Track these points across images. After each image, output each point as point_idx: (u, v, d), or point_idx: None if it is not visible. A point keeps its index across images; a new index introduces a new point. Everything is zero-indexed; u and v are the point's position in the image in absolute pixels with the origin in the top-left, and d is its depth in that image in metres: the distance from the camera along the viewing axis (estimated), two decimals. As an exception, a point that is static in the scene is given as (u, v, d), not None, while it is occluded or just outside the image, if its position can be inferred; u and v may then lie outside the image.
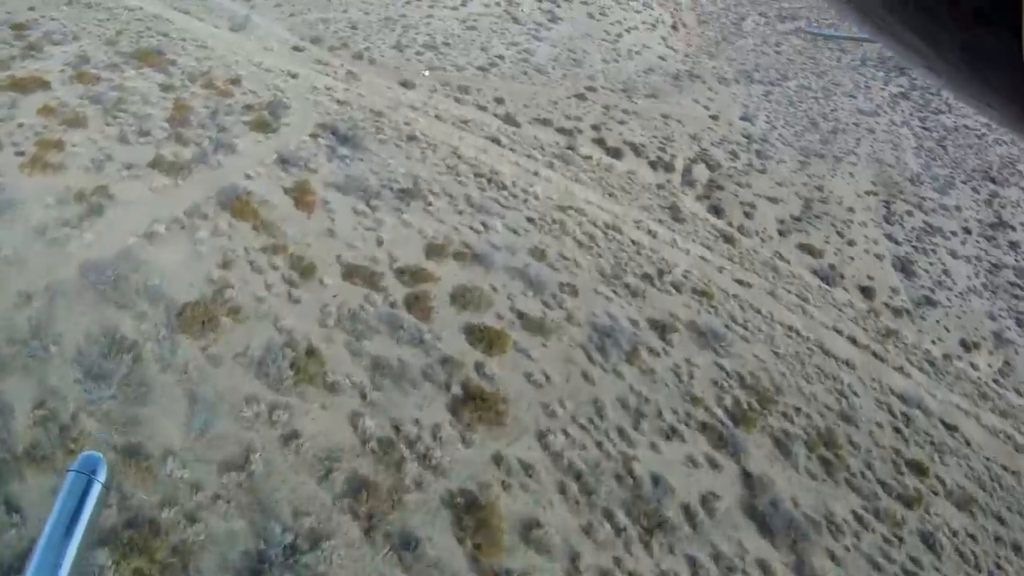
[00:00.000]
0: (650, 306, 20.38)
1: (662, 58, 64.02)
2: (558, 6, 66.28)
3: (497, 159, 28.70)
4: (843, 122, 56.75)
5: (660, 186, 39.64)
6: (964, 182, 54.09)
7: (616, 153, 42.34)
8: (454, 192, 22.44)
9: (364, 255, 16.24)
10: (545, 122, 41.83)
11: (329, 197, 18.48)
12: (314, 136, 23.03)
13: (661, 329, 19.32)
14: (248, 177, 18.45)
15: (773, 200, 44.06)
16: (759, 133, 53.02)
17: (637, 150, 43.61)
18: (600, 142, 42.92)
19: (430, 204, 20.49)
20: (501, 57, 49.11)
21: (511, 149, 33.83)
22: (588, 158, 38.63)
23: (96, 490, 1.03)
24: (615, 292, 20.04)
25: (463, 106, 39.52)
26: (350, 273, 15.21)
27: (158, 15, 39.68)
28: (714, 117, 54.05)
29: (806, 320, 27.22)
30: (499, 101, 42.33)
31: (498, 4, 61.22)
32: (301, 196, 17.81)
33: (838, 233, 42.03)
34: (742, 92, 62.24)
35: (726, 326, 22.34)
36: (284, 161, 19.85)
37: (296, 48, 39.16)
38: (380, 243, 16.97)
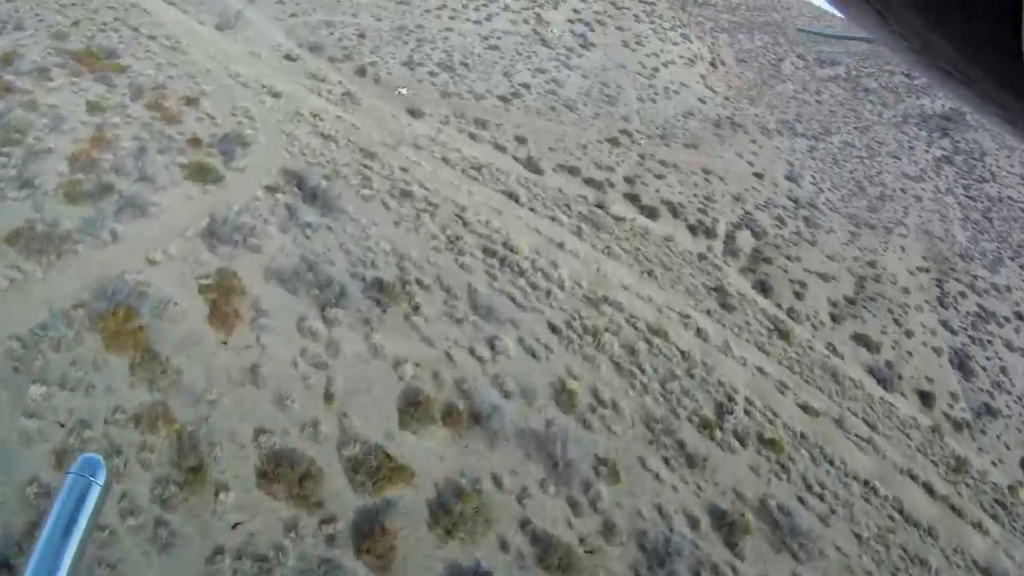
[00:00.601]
0: (711, 482, 14.53)
1: (701, 100, 58.65)
2: (591, 30, 60.85)
3: (513, 225, 22.85)
4: (889, 187, 52.11)
5: (702, 256, 33.82)
6: (1012, 258, 49.39)
7: (652, 213, 36.67)
8: (453, 284, 16.55)
9: (300, 424, 10.39)
10: (572, 170, 36.08)
11: (265, 302, 12.54)
12: (272, 190, 17.06)
13: (728, 529, 13.49)
14: (150, 263, 12.64)
15: (824, 277, 38.58)
16: (806, 196, 47.75)
17: (675, 210, 38.01)
18: (634, 199, 37.25)
19: (416, 310, 14.57)
20: (526, 86, 43.46)
21: (531, 209, 28.00)
22: (621, 220, 32.84)
23: (95, 492, 1.01)
24: (667, 461, 14.18)
25: (478, 144, 33.78)
26: (269, 472, 9.32)
27: (135, 4, 34.06)
28: (758, 175, 48.70)
29: (880, 464, 21.57)
30: (521, 141, 36.63)
31: (526, 22, 55.77)
32: (221, 301, 11.95)
33: (895, 321, 36.46)
34: (786, 146, 56.93)
35: (800, 499, 16.49)
36: (214, 234, 13.97)
37: (288, 57, 33.50)
38: (330, 397, 11.07)
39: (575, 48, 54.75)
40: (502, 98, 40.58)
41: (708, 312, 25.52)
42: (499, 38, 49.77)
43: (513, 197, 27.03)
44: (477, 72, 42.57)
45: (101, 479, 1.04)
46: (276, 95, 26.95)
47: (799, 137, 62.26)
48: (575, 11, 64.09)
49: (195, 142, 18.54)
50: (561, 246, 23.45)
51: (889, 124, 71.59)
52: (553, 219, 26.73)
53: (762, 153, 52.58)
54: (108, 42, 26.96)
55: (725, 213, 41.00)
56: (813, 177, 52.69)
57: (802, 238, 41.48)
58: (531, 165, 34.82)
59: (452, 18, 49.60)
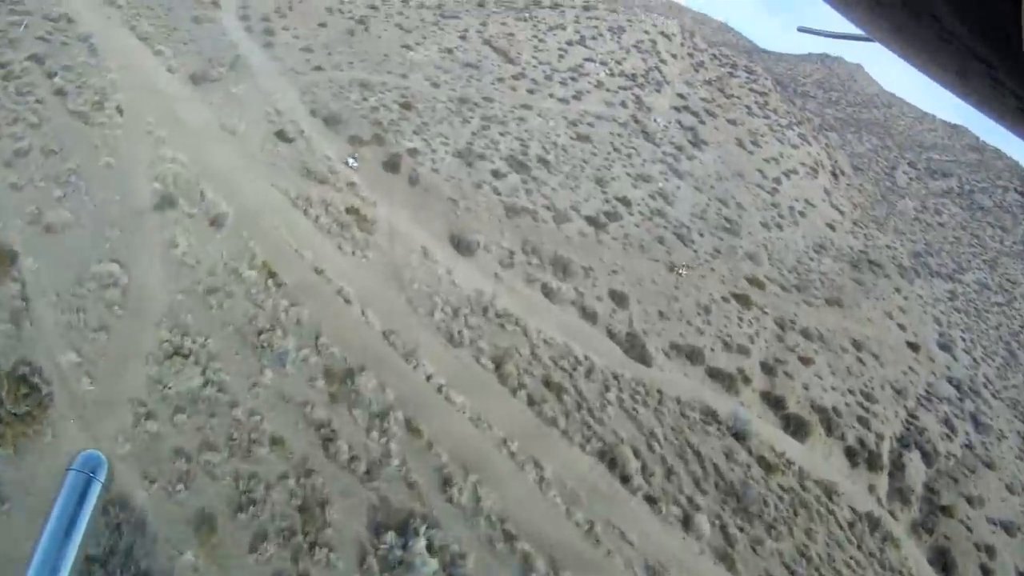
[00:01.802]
0: None
1: (830, 226, 45.90)
2: (701, 122, 48.96)
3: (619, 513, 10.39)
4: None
5: (871, 521, 20.83)
6: None
7: (800, 429, 23.86)
8: None
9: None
10: (693, 355, 23.26)
11: None
12: None
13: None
14: None
15: (1009, 530, 26.20)
16: (965, 376, 36.56)
17: (830, 421, 25.10)
18: (777, 404, 24.41)
19: None
20: (625, 201, 31.17)
21: (643, 472, 15.30)
22: (771, 469, 19.70)
23: (96, 489, 1.00)
24: None
25: (556, 308, 21.38)
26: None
27: (86, 35, 23.34)
28: (912, 346, 35.86)
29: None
30: (619, 300, 24.05)
31: (623, 105, 44.14)
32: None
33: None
34: (927, 292, 47.16)
35: None
36: None
37: (283, 135, 21.95)
38: None
39: (684, 146, 42.71)
40: (593, 221, 28.26)
41: None
42: (591, 125, 38.01)
43: (614, 468, 14.25)
44: (560, 174, 30.55)
45: (102, 476, 1.00)
46: (216, 221, 15.20)
47: (936, 277, 53.32)
48: (680, 97, 52.73)
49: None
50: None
51: (1014, 255, 65.85)
52: (675, 502, 13.88)
53: (908, 307, 40.66)
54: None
55: (888, 419, 28.23)
56: (964, 342, 42.13)
57: (976, 456, 29.96)
58: (635, 347, 22.25)
59: (531, 91, 38.23)
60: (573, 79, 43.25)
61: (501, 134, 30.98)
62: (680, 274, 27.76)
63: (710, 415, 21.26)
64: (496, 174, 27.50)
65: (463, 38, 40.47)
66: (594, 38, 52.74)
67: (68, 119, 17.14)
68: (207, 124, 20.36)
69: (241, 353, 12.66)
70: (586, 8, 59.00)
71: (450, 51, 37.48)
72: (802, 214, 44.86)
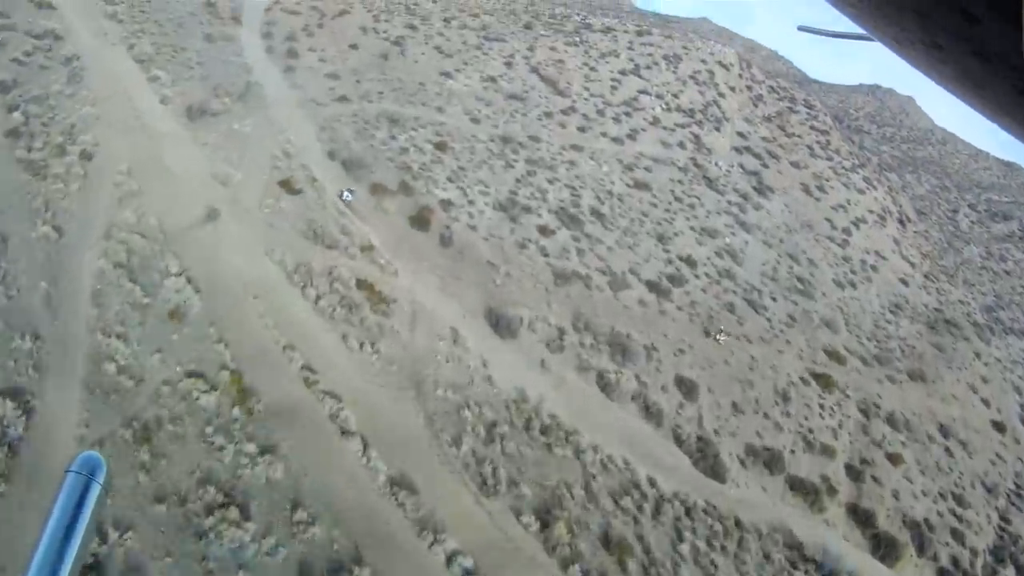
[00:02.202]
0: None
1: (903, 281, 40.79)
2: (764, 165, 44.15)
3: None
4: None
5: None
6: None
7: (891, 551, 19.58)
8: None
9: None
10: (771, 462, 18.75)
11: None
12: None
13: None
14: None
15: None
16: None
17: (922, 539, 20.69)
18: (865, 520, 20.00)
19: None
20: (690, 261, 26.56)
21: None
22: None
23: (95, 491, 1.01)
24: None
25: (614, 406, 17.00)
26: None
27: (71, 57, 19.83)
28: (998, 425, 31.50)
29: None
30: (687, 390, 19.65)
31: (682, 146, 39.60)
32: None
33: None
34: (1004, 355, 43.73)
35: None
36: None
37: (289, 185, 18.06)
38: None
39: (749, 194, 37.99)
40: (655, 286, 23.77)
41: None
42: (648, 169, 33.56)
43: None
44: (617, 230, 26.11)
45: (101, 477, 1.01)
46: (176, 313, 11.21)
47: (1010, 335, 50.17)
48: (741, 135, 48.09)
49: None
50: None
51: (1083, 308, 57.30)
52: None
53: (989, 376, 35.95)
54: None
55: (981, 528, 23.84)
56: (1049, 419, 35.67)
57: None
58: (706, 456, 17.85)
59: (583, 129, 33.98)
60: (627, 114, 38.94)
61: (549, 181, 26.73)
62: (719, 340, 23.18)
63: (795, 549, 16.62)
64: (543, 231, 23.20)
65: (508, 64, 36.53)
66: (649, 67, 48.47)
67: (11, 170, 13.38)
68: (196, 172, 16.48)
69: (175, 551, 8.49)
70: (639, 33, 54.87)
71: (493, 80, 33.52)
72: (874, 268, 39.89)
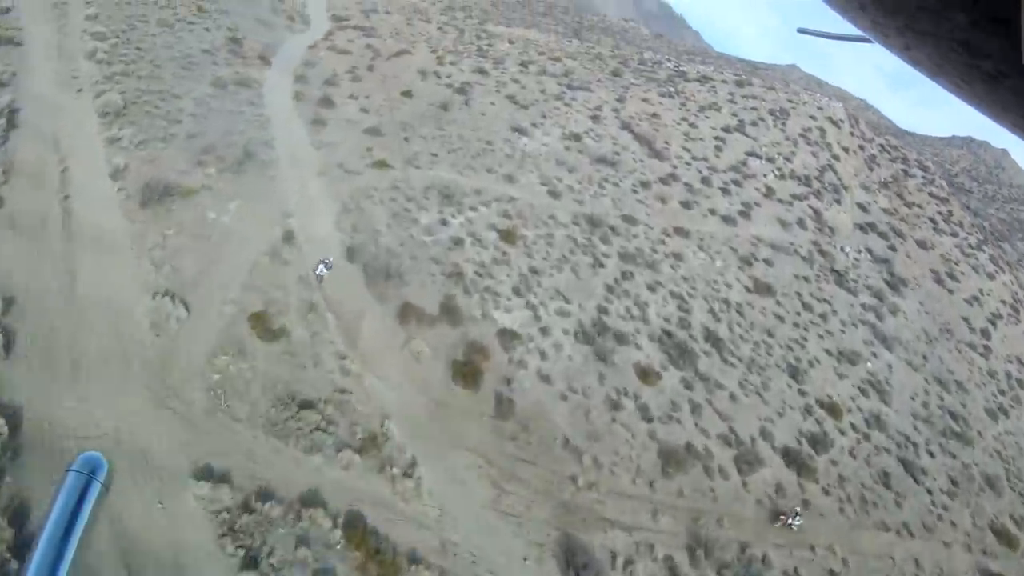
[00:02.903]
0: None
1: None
2: (891, 247, 35.48)
3: None
4: None
5: None
6: None
7: None
8: None
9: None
10: None
11: None
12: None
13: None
14: None
15: None
16: None
17: None
18: None
19: None
20: (833, 409, 18.56)
21: None
22: None
23: (95, 490, 1.01)
24: None
25: None
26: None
27: (7, 108, 13.87)
28: None
29: None
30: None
31: (801, 224, 31.35)
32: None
33: None
34: None
35: None
36: None
37: (263, 325, 11.35)
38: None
39: (883, 292, 29.60)
40: (793, 459, 15.88)
41: None
42: (768, 262, 25.55)
43: None
44: (740, 364, 18.27)
45: (101, 477, 1.01)
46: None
47: None
48: (861, 208, 39.69)
49: None
50: None
51: None
52: None
53: None
54: None
55: None
56: None
57: None
58: None
59: (686, 204, 26.34)
60: (736, 183, 31.16)
61: (650, 287, 19.24)
62: (791, 526, 14.81)
63: None
64: (644, 374, 15.68)
65: (595, 119, 29.47)
66: (755, 124, 40.64)
67: None
68: (118, 306, 9.94)
69: None
70: (739, 84, 47.16)
71: (578, 137, 26.46)
72: (1020, 383, 30.81)
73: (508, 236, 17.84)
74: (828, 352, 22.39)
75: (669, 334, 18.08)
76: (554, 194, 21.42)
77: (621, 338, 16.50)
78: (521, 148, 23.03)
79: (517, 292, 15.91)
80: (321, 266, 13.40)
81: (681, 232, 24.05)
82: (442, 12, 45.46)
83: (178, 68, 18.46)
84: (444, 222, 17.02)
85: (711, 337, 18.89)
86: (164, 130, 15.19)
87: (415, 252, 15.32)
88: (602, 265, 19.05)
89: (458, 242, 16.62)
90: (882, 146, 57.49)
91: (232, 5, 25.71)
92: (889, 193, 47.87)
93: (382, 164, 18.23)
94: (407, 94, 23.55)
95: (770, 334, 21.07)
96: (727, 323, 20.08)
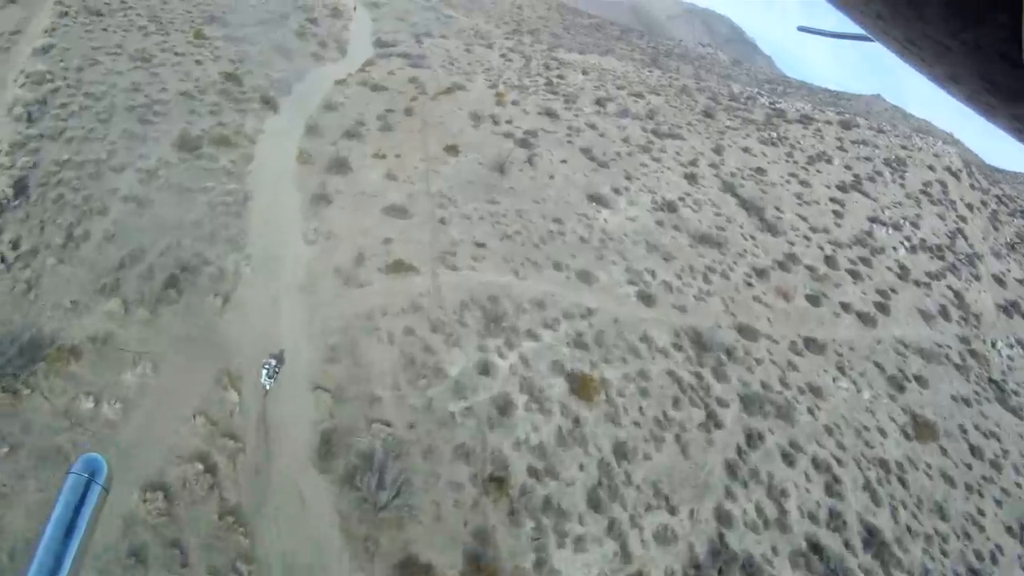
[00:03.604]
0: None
1: None
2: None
3: None
4: None
5: None
6: None
7: None
8: None
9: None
10: None
11: None
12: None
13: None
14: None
15: None
16: None
17: None
18: None
19: None
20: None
21: None
22: None
23: (95, 492, 0.98)
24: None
25: None
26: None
27: None
28: None
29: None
30: None
31: (945, 314, 23.88)
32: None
33: None
34: None
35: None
36: None
37: None
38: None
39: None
40: None
41: None
42: (920, 380, 18.53)
43: None
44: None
45: (102, 479, 0.98)
46: None
47: None
48: (997, 280, 32.62)
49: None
50: None
51: None
52: None
53: None
54: None
55: None
56: None
57: None
58: None
59: (814, 299, 19.24)
60: (865, 261, 23.84)
61: (786, 457, 12.51)
62: None
63: None
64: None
65: (691, 178, 22.80)
66: (872, 178, 33.09)
67: None
68: None
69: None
70: (845, 125, 39.51)
71: (672, 207, 19.88)
72: None
73: (583, 387, 11.45)
74: (1009, 531, 14.97)
75: (817, 548, 11.31)
76: (646, 298, 14.91)
77: (753, 571, 9.89)
78: (601, 227, 16.66)
79: (594, 505, 9.52)
80: (264, 377, 8.89)
81: (814, 346, 17.08)
82: (507, 36, 39.63)
83: (134, 122, 13.03)
84: (486, 369, 10.80)
85: (873, 540, 12.00)
86: (67, 232, 9.59)
87: (433, 439, 9.14)
88: (718, 424, 12.42)
89: (505, 407, 10.35)
90: (999, 198, 48.79)
91: (247, 30, 20.53)
92: (1018, 257, 39.59)
93: (402, 267, 12.18)
94: (452, 150, 17.55)
95: (942, 513, 14.03)
96: (889, 507, 13.17)
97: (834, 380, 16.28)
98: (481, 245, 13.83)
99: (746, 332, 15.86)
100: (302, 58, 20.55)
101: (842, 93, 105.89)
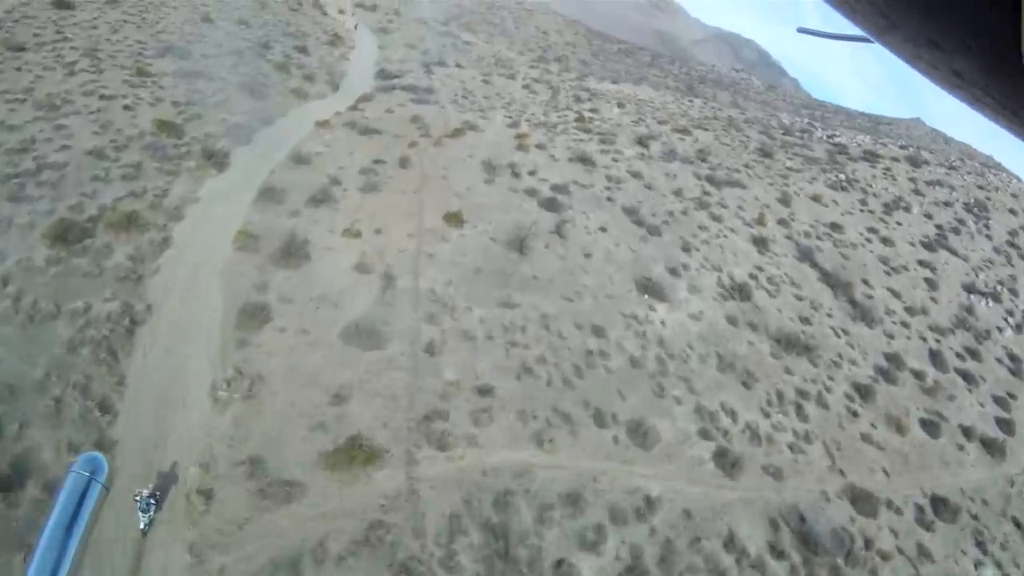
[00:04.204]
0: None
1: None
2: None
3: None
4: None
5: None
6: None
7: None
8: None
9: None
10: None
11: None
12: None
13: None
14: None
15: None
16: None
17: None
18: None
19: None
20: None
21: None
22: None
23: (96, 490, 1.20)
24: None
25: None
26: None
27: None
28: None
29: None
30: None
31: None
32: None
33: None
34: None
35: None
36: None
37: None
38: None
39: None
40: None
41: None
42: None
43: None
44: None
45: (102, 477, 1.16)
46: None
47: None
48: None
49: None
50: None
51: None
52: None
53: None
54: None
55: None
56: None
57: None
58: None
59: (931, 428, 14.27)
60: (973, 353, 18.47)
61: None
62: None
63: None
64: None
65: (760, 243, 17.78)
66: (956, 230, 27.71)
67: None
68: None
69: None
70: (913, 162, 34.16)
71: (744, 292, 14.91)
72: None
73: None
74: None
75: None
76: (728, 462, 9.96)
77: None
78: (657, 335, 11.76)
79: None
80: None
81: (945, 510, 11.96)
82: (531, 64, 34.91)
83: (1, 200, 8.60)
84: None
85: None
86: None
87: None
88: None
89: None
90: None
91: (209, 63, 16.12)
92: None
93: (359, 452, 7.44)
94: (455, 219, 12.79)
95: None
96: None
97: (976, 567, 11.16)
98: (487, 392, 9.03)
99: (862, 502, 10.82)
100: (279, 95, 16.08)
101: (880, 117, 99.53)
